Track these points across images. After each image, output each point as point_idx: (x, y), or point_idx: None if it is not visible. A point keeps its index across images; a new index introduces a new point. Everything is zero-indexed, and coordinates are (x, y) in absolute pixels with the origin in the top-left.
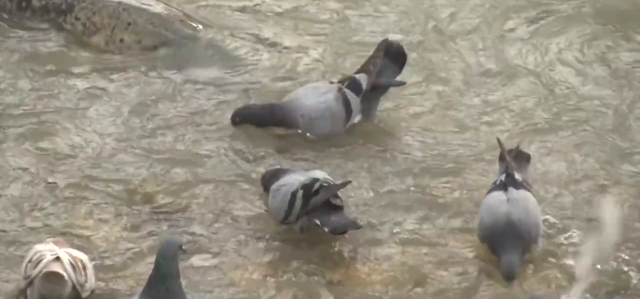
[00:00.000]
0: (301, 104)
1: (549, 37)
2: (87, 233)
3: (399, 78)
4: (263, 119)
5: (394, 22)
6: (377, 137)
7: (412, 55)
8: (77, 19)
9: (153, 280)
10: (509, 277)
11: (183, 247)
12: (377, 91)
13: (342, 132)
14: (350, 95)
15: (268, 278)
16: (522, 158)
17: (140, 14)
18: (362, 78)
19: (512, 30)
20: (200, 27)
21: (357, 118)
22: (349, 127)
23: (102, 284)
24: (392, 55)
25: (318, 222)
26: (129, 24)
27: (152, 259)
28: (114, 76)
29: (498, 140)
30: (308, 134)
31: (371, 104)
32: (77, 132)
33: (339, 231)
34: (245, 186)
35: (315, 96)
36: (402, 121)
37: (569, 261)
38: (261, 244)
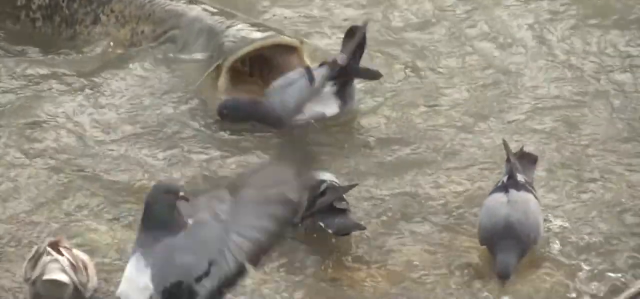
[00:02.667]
0: (272, 87)
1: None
2: (86, 232)
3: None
4: (249, 114)
5: None
6: (375, 135)
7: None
8: (112, 11)
9: (140, 227)
10: (503, 276)
11: (178, 191)
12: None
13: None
14: (313, 68)
15: (269, 278)
16: (528, 160)
17: (160, 3)
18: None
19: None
20: (219, 16)
21: (333, 108)
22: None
23: (104, 283)
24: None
25: (322, 224)
26: (150, 14)
27: None
28: (119, 71)
29: (503, 141)
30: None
31: (346, 91)
32: (76, 131)
33: (343, 232)
34: None
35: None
36: (399, 117)
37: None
38: None
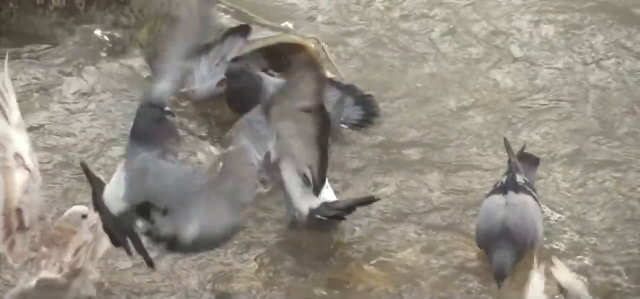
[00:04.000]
0: None
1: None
2: None
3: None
4: (252, 83)
5: None
6: (372, 135)
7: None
8: (131, 11)
9: (129, 138)
10: (500, 276)
11: (163, 105)
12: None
13: None
14: None
15: (268, 278)
16: (530, 161)
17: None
18: None
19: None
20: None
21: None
22: None
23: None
24: None
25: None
26: (167, 13)
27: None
28: (121, 70)
29: (505, 141)
30: None
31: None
32: (74, 131)
33: (351, 210)
34: None
35: None
36: (396, 116)
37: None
38: (261, 244)
